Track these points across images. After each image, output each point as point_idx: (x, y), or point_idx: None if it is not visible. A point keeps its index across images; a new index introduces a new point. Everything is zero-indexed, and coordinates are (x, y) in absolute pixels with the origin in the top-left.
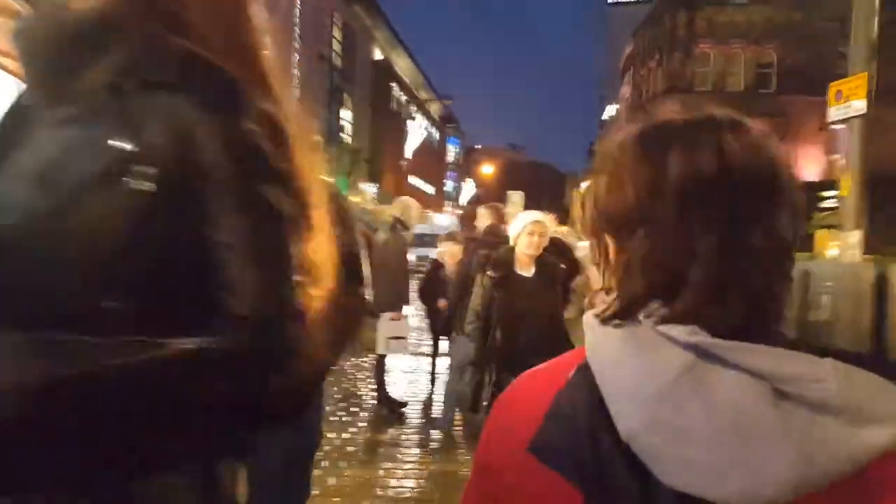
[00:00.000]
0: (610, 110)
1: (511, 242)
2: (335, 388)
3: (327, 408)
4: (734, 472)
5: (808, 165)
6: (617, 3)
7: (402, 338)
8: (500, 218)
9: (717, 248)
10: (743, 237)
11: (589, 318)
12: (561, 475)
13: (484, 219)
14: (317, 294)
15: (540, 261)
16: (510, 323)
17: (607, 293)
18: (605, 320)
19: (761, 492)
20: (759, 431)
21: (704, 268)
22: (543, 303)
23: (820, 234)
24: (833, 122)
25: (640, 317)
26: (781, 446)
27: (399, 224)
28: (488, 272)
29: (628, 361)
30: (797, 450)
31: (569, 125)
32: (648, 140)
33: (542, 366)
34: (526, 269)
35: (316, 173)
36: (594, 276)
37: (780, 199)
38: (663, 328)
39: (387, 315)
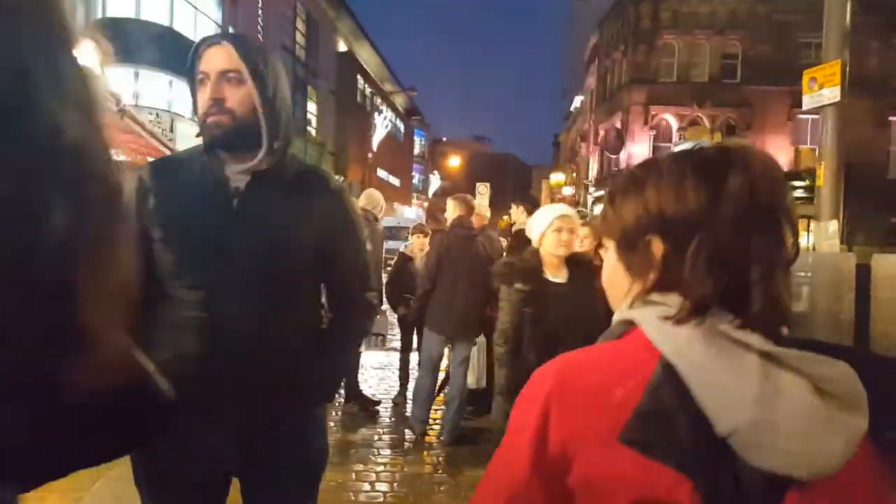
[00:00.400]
0: (576, 102)
1: (535, 243)
2: None
3: None
4: (813, 454)
5: (775, 155)
6: None
7: (382, 335)
8: (469, 209)
9: (762, 250)
10: (778, 242)
11: (651, 317)
12: (667, 465)
13: (452, 210)
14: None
15: (572, 262)
16: (546, 341)
17: (659, 292)
18: (679, 321)
19: (829, 466)
20: (819, 421)
21: (761, 274)
22: (583, 312)
23: None
24: (807, 111)
25: (719, 325)
26: (834, 431)
27: (370, 216)
28: (516, 284)
29: (716, 368)
30: (843, 433)
31: (533, 117)
32: (708, 159)
33: (588, 352)
34: (557, 275)
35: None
36: (615, 275)
37: (790, 210)
38: (740, 335)
39: None
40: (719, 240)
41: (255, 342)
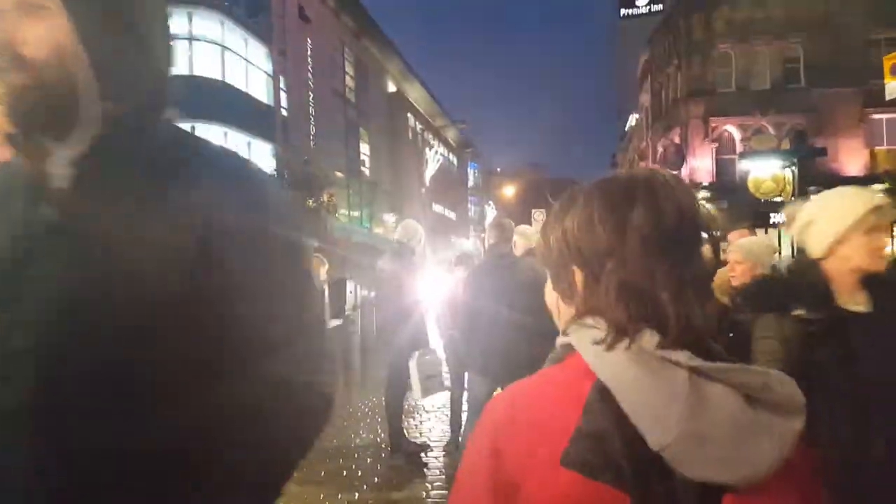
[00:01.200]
0: (631, 120)
1: (821, 253)
2: (334, 441)
3: (327, 462)
4: (740, 461)
5: (849, 160)
6: (629, 17)
7: (436, 376)
8: (505, 235)
9: (670, 273)
10: (688, 262)
11: (585, 341)
12: (606, 484)
13: (490, 238)
14: None
15: (874, 282)
16: (856, 405)
17: (581, 317)
18: (609, 346)
19: (757, 472)
20: (747, 429)
21: (671, 296)
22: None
23: None
24: (882, 109)
25: (642, 343)
26: (762, 438)
27: (404, 248)
28: (797, 311)
29: (646, 387)
30: (771, 439)
31: (588, 139)
32: (614, 191)
33: (532, 381)
34: (856, 301)
35: None
36: (552, 301)
37: (703, 234)
38: (665, 353)
39: (416, 353)
40: (628, 268)
41: (49, 476)
